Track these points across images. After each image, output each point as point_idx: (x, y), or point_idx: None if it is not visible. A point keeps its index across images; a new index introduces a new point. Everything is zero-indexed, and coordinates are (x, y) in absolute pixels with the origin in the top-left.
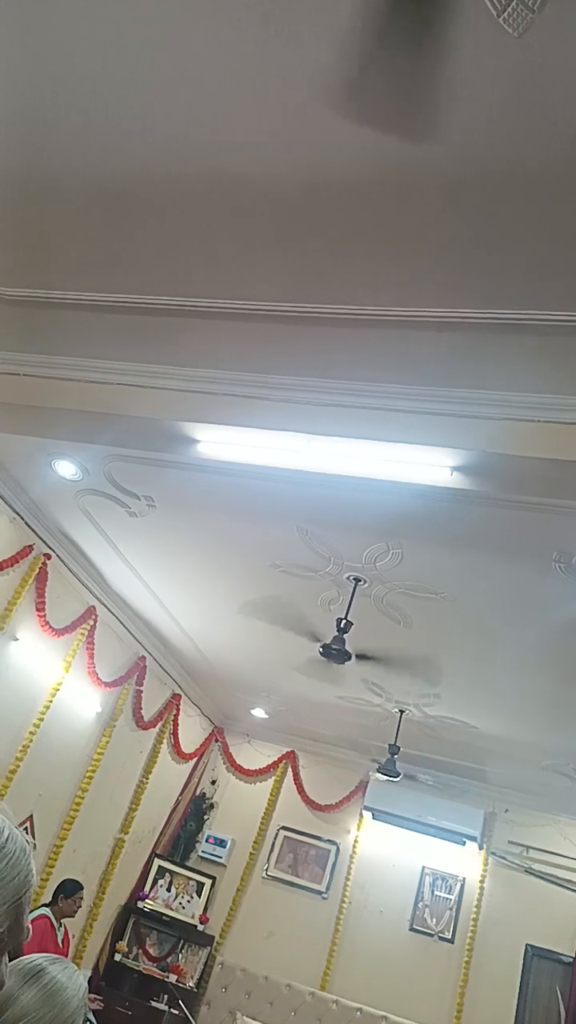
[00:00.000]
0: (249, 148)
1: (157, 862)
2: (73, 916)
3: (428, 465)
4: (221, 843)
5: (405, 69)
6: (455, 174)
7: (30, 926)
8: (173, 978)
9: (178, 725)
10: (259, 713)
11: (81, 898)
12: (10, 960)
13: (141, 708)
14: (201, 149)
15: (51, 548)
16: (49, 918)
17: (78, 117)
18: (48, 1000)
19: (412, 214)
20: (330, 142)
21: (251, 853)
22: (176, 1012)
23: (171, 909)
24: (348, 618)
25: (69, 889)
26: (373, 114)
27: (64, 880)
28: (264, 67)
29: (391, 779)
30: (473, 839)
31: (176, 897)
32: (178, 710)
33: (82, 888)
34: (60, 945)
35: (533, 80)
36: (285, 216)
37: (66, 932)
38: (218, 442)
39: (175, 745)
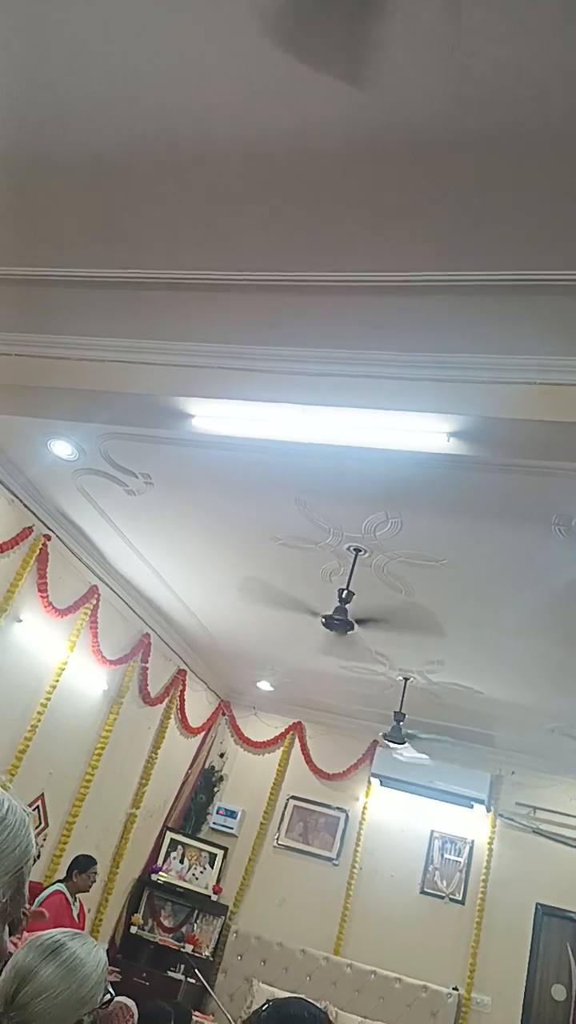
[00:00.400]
0: (231, 111)
1: (169, 835)
2: (87, 891)
3: (425, 432)
4: (232, 814)
5: (392, 31)
6: (448, 137)
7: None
8: (189, 948)
9: (184, 700)
10: (264, 686)
11: (95, 873)
12: (10, 932)
13: (147, 684)
14: (186, 118)
15: (50, 529)
16: (64, 893)
17: (66, 91)
18: (68, 975)
19: (404, 177)
20: (317, 107)
21: (261, 823)
22: (193, 981)
23: (184, 880)
24: (349, 588)
25: (83, 864)
26: (358, 76)
27: (78, 855)
28: (245, 29)
29: (397, 745)
30: (480, 802)
31: (189, 869)
32: (184, 685)
33: (95, 863)
34: (76, 920)
35: (525, 41)
36: (275, 185)
37: (81, 907)
38: (213, 416)
39: (182, 720)
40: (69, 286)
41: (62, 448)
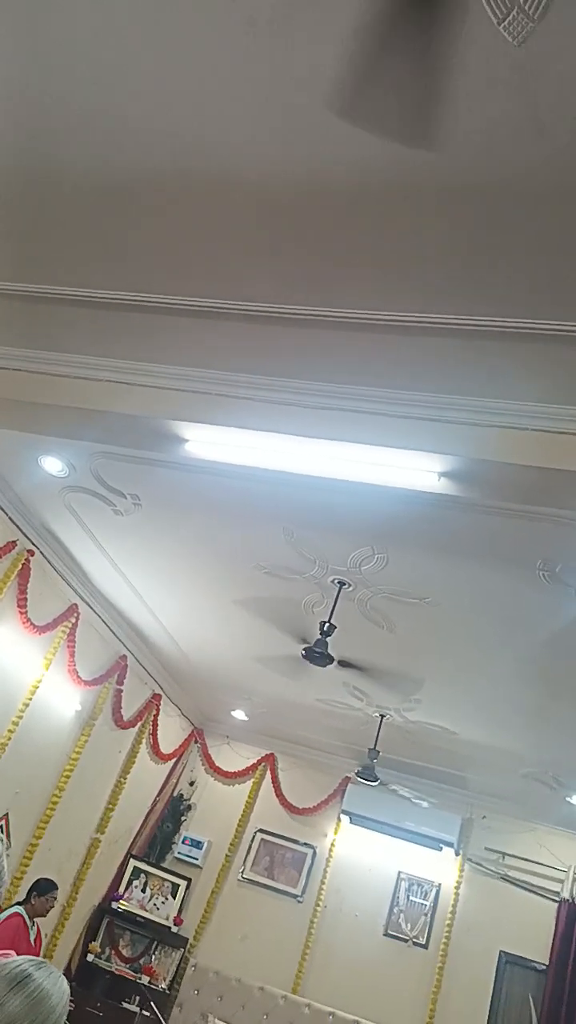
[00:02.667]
0: (249, 149)
1: (133, 863)
2: (45, 915)
3: (416, 470)
4: (198, 844)
5: (405, 74)
6: (453, 181)
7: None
8: (145, 979)
9: (158, 725)
10: (239, 715)
11: (54, 897)
12: None
13: (121, 707)
14: (200, 149)
15: (35, 545)
16: (23, 917)
17: (78, 114)
18: (34, 1008)
19: (409, 220)
20: (330, 146)
21: (227, 855)
22: (148, 1014)
23: (145, 910)
24: (331, 621)
25: (43, 888)
26: (373, 120)
27: (39, 879)
28: (265, 69)
29: (369, 784)
30: (450, 845)
31: (151, 898)
32: (158, 710)
33: (56, 888)
34: (32, 944)
35: (532, 88)
36: (282, 218)
37: (39, 931)
38: (207, 442)
39: (154, 745)
40: (70, 305)
41: (53, 464)
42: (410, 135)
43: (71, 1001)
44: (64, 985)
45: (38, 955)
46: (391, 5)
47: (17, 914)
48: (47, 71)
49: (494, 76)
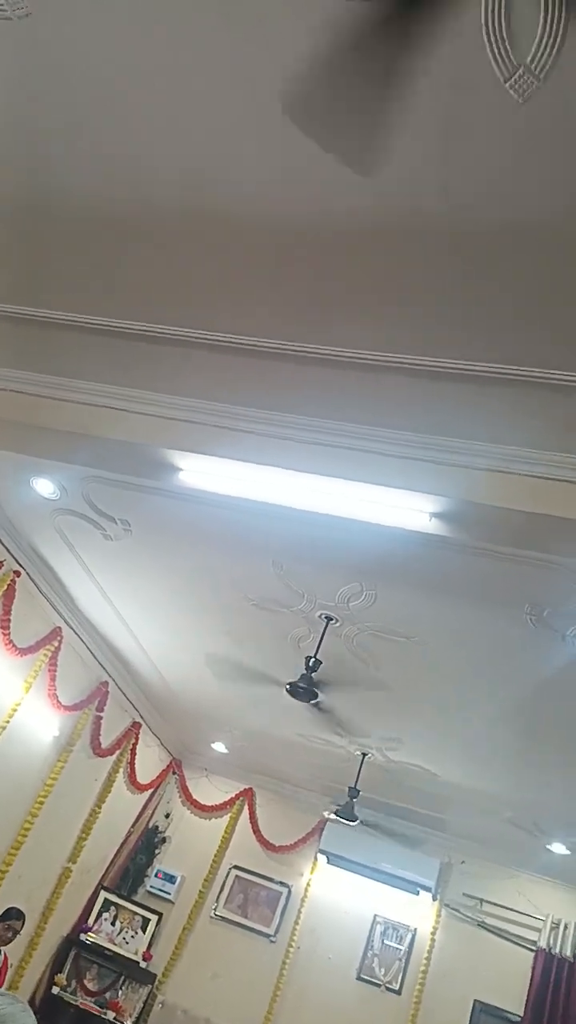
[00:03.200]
0: (249, 187)
1: (104, 894)
2: (6, 944)
3: (408, 509)
4: (171, 879)
5: (410, 125)
6: (452, 227)
7: None
8: (111, 1015)
9: (136, 755)
10: (219, 747)
11: (12, 928)
12: None
13: (100, 735)
14: (203, 185)
15: (21, 566)
16: None
17: (81, 142)
18: None
19: (407, 264)
20: (332, 190)
21: (200, 891)
22: None
23: (114, 944)
24: (317, 656)
25: (5, 915)
26: (374, 165)
27: (8, 907)
28: (262, 106)
29: (348, 823)
30: (427, 889)
31: (120, 932)
32: (137, 739)
33: (21, 918)
34: None
35: (534, 143)
36: (282, 256)
37: (6, 958)
38: (201, 472)
39: (131, 775)
40: (71, 330)
41: (44, 487)
42: (411, 183)
43: None
44: (31, 1020)
45: (1, 983)
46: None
47: None
48: (48, 100)
49: (497, 130)
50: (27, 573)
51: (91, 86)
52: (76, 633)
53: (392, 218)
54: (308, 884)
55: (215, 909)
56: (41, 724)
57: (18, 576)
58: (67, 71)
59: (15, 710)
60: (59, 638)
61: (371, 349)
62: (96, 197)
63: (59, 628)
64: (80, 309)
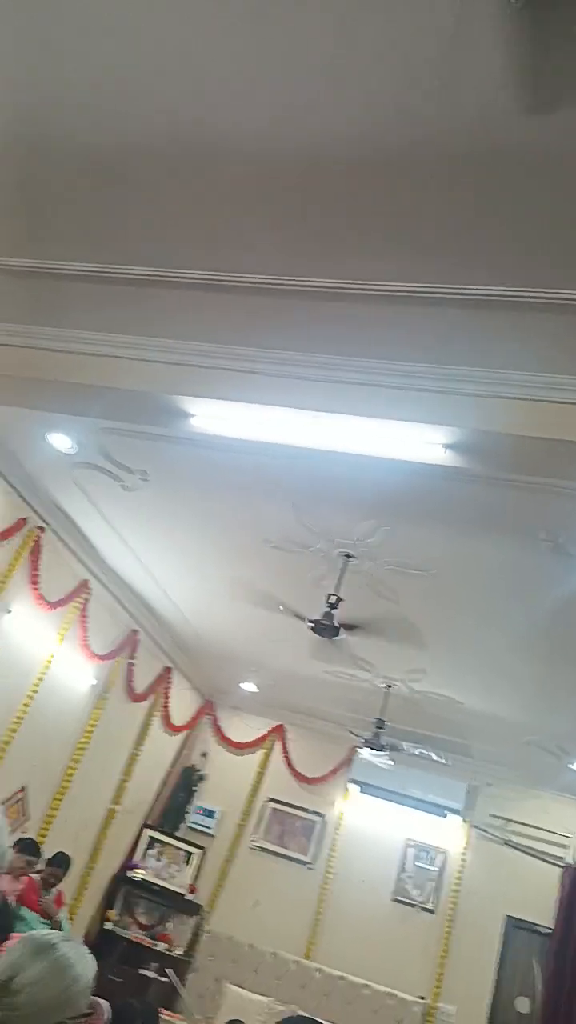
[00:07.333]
0: (244, 122)
1: (147, 832)
2: (50, 887)
3: (422, 442)
4: (210, 814)
5: (406, 44)
6: (456, 151)
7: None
8: (162, 946)
9: (169, 698)
10: (249, 687)
11: (59, 875)
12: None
13: (133, 681)
14: (199, 123)
15: (45, 521)
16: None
17: (76, 89)
18: (57, 973)
19: (411, 190)
20: (327, 117)
21: (239, 824)
22: (164, 979)
23: (160, 879)
24: (338, 594)
25: (53, 860)
26: (373, 90)
27: (56, 852)
28: (258, 42)
29: (376, 753)
30: (456, 812)
31: (166, 867)
32: (169, 683)
33: (64, 864)
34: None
35: (533, 57)
36: (284, 191)
37: (60, 894)
38: (212, 416)
39: (166, 718)
40: (73, 280)
41: (60, 441)
42: (410, 106)
43: None
44: (91, 961)
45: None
46: None
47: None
48: (43, 46)
49: (496, 43)
50: (51, 528)
51: (81, 28)
52: (103, 584)
53: (388, 145)
54: (341, 813)
55: (254, 840)
56: (77, 673)
57: (42, 532)
58: (58, 18)
59: (51, 662)
60: (87, 590)
61: (378, 280)
62: (88, 143)
63: (86, 580)
64: (79, 258)
